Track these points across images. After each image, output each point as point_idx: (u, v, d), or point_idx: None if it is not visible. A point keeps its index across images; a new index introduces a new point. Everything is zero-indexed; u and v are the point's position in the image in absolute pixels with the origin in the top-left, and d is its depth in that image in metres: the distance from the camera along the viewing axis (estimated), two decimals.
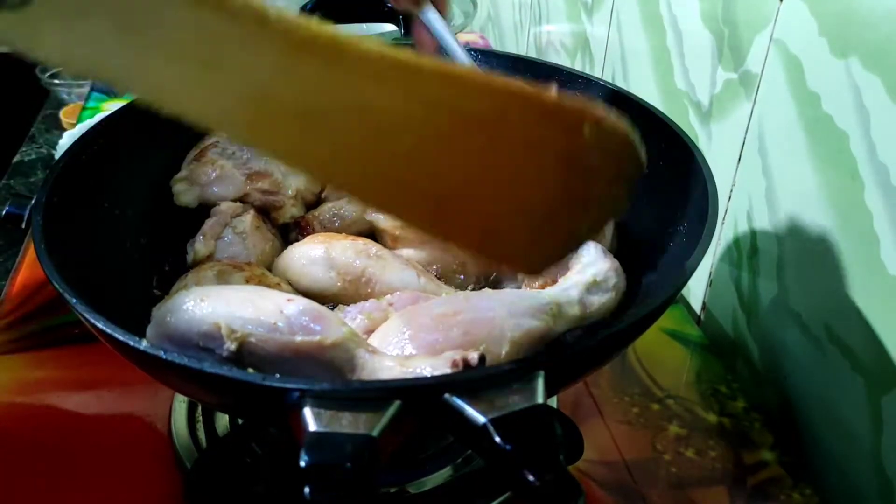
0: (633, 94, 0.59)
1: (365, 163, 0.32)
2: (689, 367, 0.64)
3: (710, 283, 0.71)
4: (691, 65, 0.72)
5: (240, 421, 0.54)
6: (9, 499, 0.50)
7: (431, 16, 0.52)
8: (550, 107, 0.32)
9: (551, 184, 0.34)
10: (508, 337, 0.42)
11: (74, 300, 0.37)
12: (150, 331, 0.41)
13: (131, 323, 0.46)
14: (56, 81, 1.10)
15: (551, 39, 1.10)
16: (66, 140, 0.89)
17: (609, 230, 0.54)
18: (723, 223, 0.68)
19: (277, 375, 0.37)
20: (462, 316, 0.42)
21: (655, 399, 0.60)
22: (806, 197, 0.57)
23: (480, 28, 1.44)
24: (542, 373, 0.33)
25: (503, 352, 0.41)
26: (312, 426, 0.30)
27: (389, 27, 0.86)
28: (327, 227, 0.57)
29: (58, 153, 0.92)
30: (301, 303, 0.40)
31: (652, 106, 0.57)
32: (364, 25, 0.98)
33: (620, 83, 0.86)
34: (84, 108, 1.03)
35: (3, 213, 0.48)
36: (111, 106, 1.01)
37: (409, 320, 0.43)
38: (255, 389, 0.32)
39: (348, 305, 0.49)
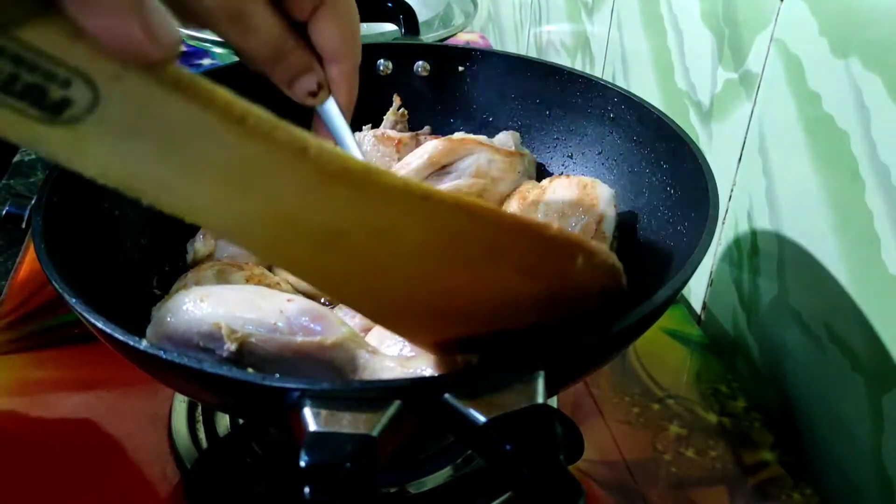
0: (633, 94, 0.59)
1: (374, 281, 0.34)
2: (689, 367, 0.64)
3: (710, 283, 0.71)
4: (692, 64, 0.72)
5: (240, 421, 0.54)
6: (9, 499, 0.50)
7: (330, 109, 0.44)
8: (552, 239, 0.35)
9: (536, 297, 0.37)
10: None
11: (74, 300, 0.37)
12: (149, 330, 0.41)
13: (131, 323, 0.46)
14: None
15: (551, 39, 1.10)
16: None
17: (610, 231, 0.54)
18: (723, 223, 0.68)
19: (277, 375, 0.37)
20: None
21: (656, 399, 0.60)
22: (806, 197, 0.56)
23: (481, 28, 1.44)
24: (542, 373, 0.33)
25: None
26: (312, 426, 0.30)
27: (390, 27, 0.86)
28: None
29: None
30: (301, 303, 0.40)
31: (652, 106, 0.57)
32: (364, 25, 0.98)
33: (621, 83, 0.86)
34: None
35: (4, 213, 0.48)
36: None
37: None
38: (255, 389, 0.32)
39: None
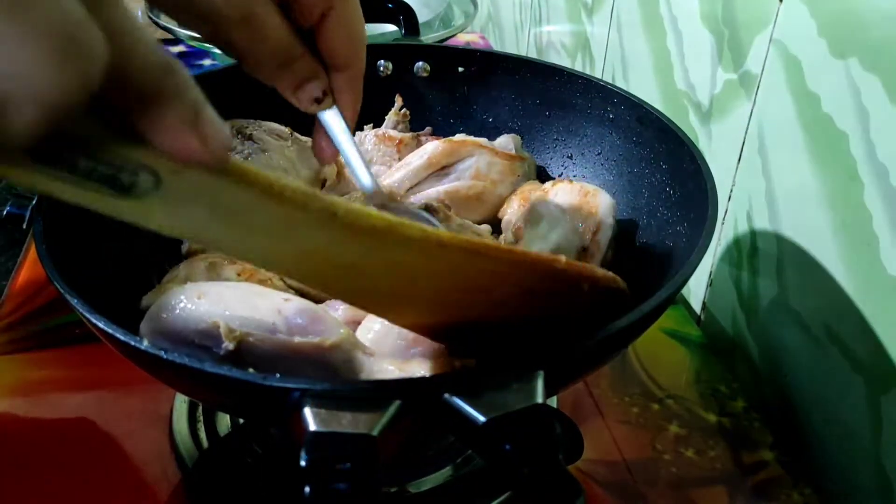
0: (633, 95, 0.59)
1: (386, 297, 0.37)
2: (688, 367, 0.64)
3: (710, 283, 0.71)
4: (691, 65, 0.72)
5: (241, 421, 0.54)
6: (9, 499, 0.50)
7: (333, 116, 0.44)
8: (561, 272, 0.37)
9: (540, 311, 0.39)
10: None
11: (75, 300, 0.37)
12: (144, 326, 0.41)
13: (132, 323, 0.47)
14: None
15: (552, 40, 1.10)
16: None
17: (604, 241, 0.54)
18: (723, 223, 0.68)
19: (278, 375, 0.37)
20: None
21: (655, 399, 0.60)
22: (806, 197, 0.57)
23: (481, 28, 1.44)
24: (541, 373, 0.33)
25: None
26: (312, 426, 0.30)
27: (390, 27, 0.86)
28: None
29: None
30: (298, 303, 0.40)
31: (652, 106, 0.57)
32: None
33: (621, 83, 0.86)
34: None
35: (4, 213, 0.48)
36: None
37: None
38: (256, 389, 0.32)
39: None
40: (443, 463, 0.52)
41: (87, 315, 0.36)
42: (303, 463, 0.29)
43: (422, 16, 0.84)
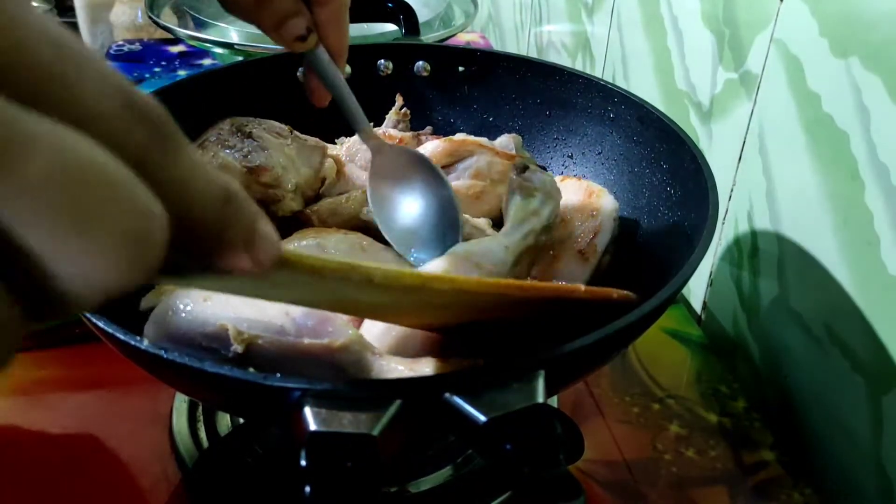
0: (633, 95, 0.59)
1: (396, 318, 0.40)
2: (689, 367, 0.64)
3: (710, 283, 0.71)
4: (692, 65, 0.72)
5: (241, 420, 0.54)
6: (9, 499, 0.50)
7: (321, 57, 0.43)
8: (580, 299, 0.39)
9: (549, 314, 0.41)
10: None
11: None
12: (149, 328, 0.41)
13: (132, 322, 0.46)
14: None
15: (552, 39, 1.10)
16: None
17: (602, 245, 0.54)
18: (723, 223, 0.68)
19: (278, 375, 0.37)
20: None
21: (656, 399, 0.60)
22: (806, 197, 0.57)
23: (481, 28, 1.44)
24: (542, 372, 0.33)
25: None
26: (313, 426, 0.30)
27: (390, 27, 0.86)
28: (325, 222, 0.57)
29: None
30: None
31: (652, 106, 0.57)
32: (365, 25, 0.98)
33: (621, 83, 0.86)
34: None
35: None
36: None
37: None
38: (256, 389, 0.32)
39: None
40: (443, 463, 0.52)
41: (87, 314, 0.36)
42: (303, 463, 0.29)
43: (422, 15, 0.83)
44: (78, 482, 0.51)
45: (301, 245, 0.53)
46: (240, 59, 0.90)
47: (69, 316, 0.20)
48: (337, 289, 0.32)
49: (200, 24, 1.01)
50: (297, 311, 0.39)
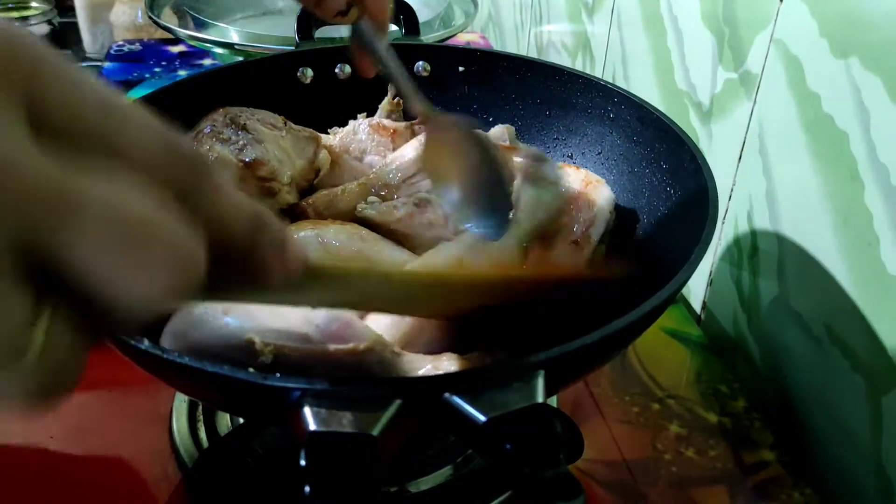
0: (633, 94, 0.59)
1: (424, 310, 0.41)
2: (689, 367, 0.64)
3: (710, 283, 0.71)
4: (692, 65, 0.72)
5: (241, 420, 0.54)
6: (9, 499, 0.50)
7: (365, 29, 0.43)
8: (587, 277, 0.44)
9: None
10: None
11: None
12: (167, 343, 0.41)
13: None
14: None
15: (552, 39, 1.10)
16: None
17: (596, 236, 0.54)
18: (723, 223, 0.68)
19: (278, 374, 0.37)
20: None
21: (656, 399, 0.60)
22: (806, 197, 0.57)
23: (481, 28, 1.44)
24: (541, 372, 0.33)
25: None
26: (312, 425, 0.30)
27: (390, 27, 0.86)
28: (321, 214, 0.57)
29: None
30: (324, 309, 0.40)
31: (652, 106, 0.57)
32: None
33: (621, 83, 0.86)
34: None
35: None
36: None
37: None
38: (256, 389, 0.32)
39: None
40: (443, 463, 0.52)
41: None
42: (302, 463, 0.29)
43: (422, 15, 0.83)
44: (78, 482, 0.51)
45: (298, 236, 0.53)
46: (240, 59, 0.90)
47: (126, 332, 0.24)
48: (357, 289, 0.33)
49: (200, 25, 1.01)
50: (319, 318, 0.39)
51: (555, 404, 0.58)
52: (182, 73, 1.12)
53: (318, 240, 0.52)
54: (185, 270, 0.21)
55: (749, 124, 0.63)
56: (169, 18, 1.04)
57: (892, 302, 0.49)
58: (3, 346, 0.18)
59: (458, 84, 0.69)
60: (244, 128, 0.54)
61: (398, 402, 0.31)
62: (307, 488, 0.28)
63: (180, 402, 0.56)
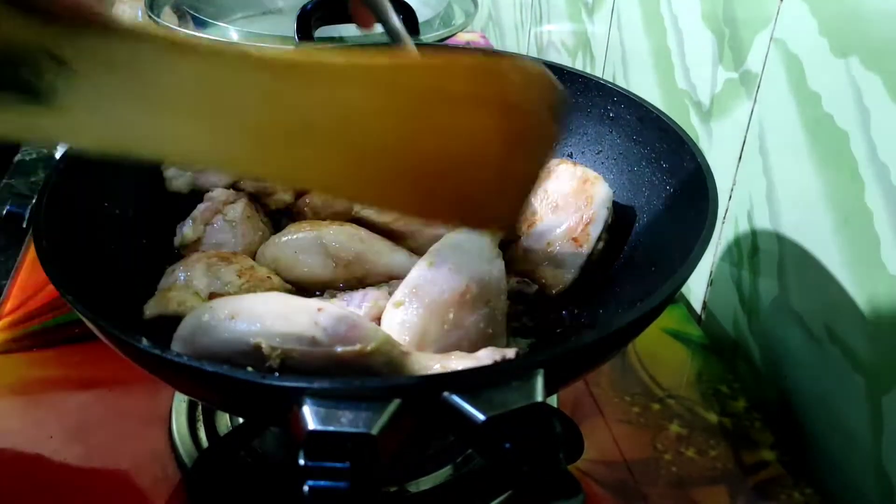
0: (633, 94, 0.59)
1: (351, 163, 0.36)
2: (689, 367, 0.64)
3: (710, 283, 0.71)
4: (692, 64, 0.72)
5: (240, 420, 0.54)
6: (9, 499, 0.50)
7: None
8: (479, 63, 0.38)
9: (500, 136, 0.39)
10: (498, 279, 0.46)
11: (74, 299, 0.37)
12: (177, 349, 0.41)
13: (132, 322, 0.46)
14: None
15: (552, 39, 1.10)
16: None
17: (595, 233, 0.54)
18: (723, 222, 0.68)
19: (277, 374, 0.37)
20: (459, 285, 0.45)
21: (656, 398, 0.60)
22: (806, 196, 0.56)
23: (481, 28, 1.44)
24: (541, 371, 0.33)
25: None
26: (312, 425, 0.30)
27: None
28: (319, 214, 0.57)
29: (58, 153, 0.92)
30: (332, 311, 0.40)
31: (652, 105, 0.57)
32: None
33: (621, 83, 0.86)
34: None
35: (4, 212, 0.49)
36: None
37: (433, 314, 0.44)
38: (255, 388, 0.32)
39: (338, 291, 0.50)
40: (443, 463, 0.52)
41: (86, 314, 0.36)
42: (302, 462, 0.29)
43: (422, 15, 0.83)
44: (78, 482, 0.51)
45: (298, 237, 0.53)
46: None
47: None
48: (223, 96, 0.30)
49: (200, 24, 1.01)
50: (324, 319, 0.39)
51: (555, 404, 0.58)
52: None
53: (317, 241, 0.52)
54: None
55: (749, 124, 0.63)
56: (169, 18, 1.04)
57: (893, 302, 0.49)
58: None
59: None
60: None
61: (397, 401, 0.31)
62: (306, 487, 0.28)
63: (180, 402, 0.56)
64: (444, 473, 0.51)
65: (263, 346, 0.38)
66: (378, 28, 0.98)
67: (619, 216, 0.56)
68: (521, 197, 0.44)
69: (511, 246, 0.55)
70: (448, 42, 0.96)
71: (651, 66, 0.79)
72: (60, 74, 0.26)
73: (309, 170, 0.36)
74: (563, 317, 0.53)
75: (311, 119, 0.33)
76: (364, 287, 0.51)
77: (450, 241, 0.49)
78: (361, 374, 0.38)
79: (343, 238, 0.52)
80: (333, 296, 0.50)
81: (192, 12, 1.04)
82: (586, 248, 0.53)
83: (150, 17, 0.99)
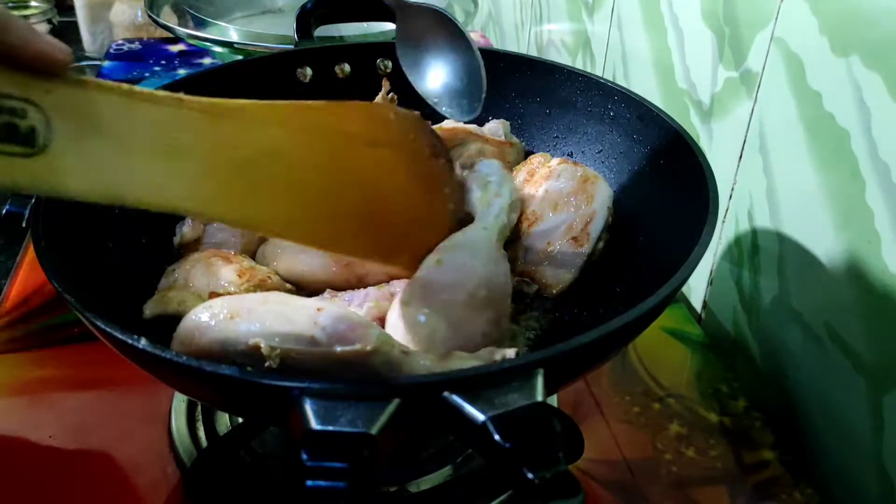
0: (634, 93, 0.59)
1: (298, 205, 0.40)
2: (689, 366, 0.64)
3: (710, 282, 0.71)
4: (692, 63, 0.72)
5: (240, 420, 0.54)
6: (9, 498, 0.50)
7: None
8: (363, 106, 0.44)
9: (401, 167, 0.45)
10: (504, 281, 0.47)
11: (74, 299, 0.37)
12: (175, 349, 0.41)
13: (131, 322, 0.46)
14: None
15: (552, 38, 1.10)
16: None
17: (595, 232, 0.54)
18: (723, 222, 0.68)
19: (277, 374, 0.37)
20: (468, 286, 0.45)
21: (656, 398, 0.60)
22: (807, 195, 0.56)
23: (481, 27, 1.44)
24: (541, 370, 0.33)
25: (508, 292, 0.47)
26: (311, 424, 0.30)
27: (390, 26, 0.86)
28: None
29: None
30: (331, 311, 0.40)
31: (653, 104, 0.57)
32: (364, 24, 0.98)
33: (621, 82, 0.86)
34: None
35: (4, 212, 0.48)
36: None
37: (442, 315, 0.44)
38: (255, 388, 0.32)
39: (338, 291, 0.49)
40: (443, 462, 0.52)
41: (86, 314, 0.36)
42: (301, 461, 0.29)
43: None
44: (77, 482, 0.51)
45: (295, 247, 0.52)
46: (239, 57, 0.90)
47: None
48: (177, 137, 0.33)
49: (200, 23, 1.01)
50: (324, 319, 0.39)
51: (555, 404, 0.58)
52: (182, 71, 1.12)
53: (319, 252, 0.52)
54: None
55: (750, 123, 0.63)
56: (168, 17, 1.04)
57: (893, 301, 0.49)
58: None
59: None
60: None
61: (397, 400, 0.31)
62: (306, 487, 0.28)
63: (179, 401, 0.56)
64: (444, 473, 0.51)
65: (263, 345, 0.38)
66: (378, 27, 0.98)
67: (619, 215, 0.56)
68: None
69: (511, 246, 0.55)
70: None
71: (651, 65, 0.79)
72: (42, 121, 0.29)
73: (265, 211, 0.39)
74: (563, 317, 0.53)
75: (251, 157, 0.37)
76: (365, 287, 0.51)
77: (457, 239, 0.48)
78: (361, 373, 0.38)
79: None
80: (334, 296, 0.50)
81: (191, 12, 1.04)
82: (586, 248, 0.53)
83: (150, 16, 0.99)
